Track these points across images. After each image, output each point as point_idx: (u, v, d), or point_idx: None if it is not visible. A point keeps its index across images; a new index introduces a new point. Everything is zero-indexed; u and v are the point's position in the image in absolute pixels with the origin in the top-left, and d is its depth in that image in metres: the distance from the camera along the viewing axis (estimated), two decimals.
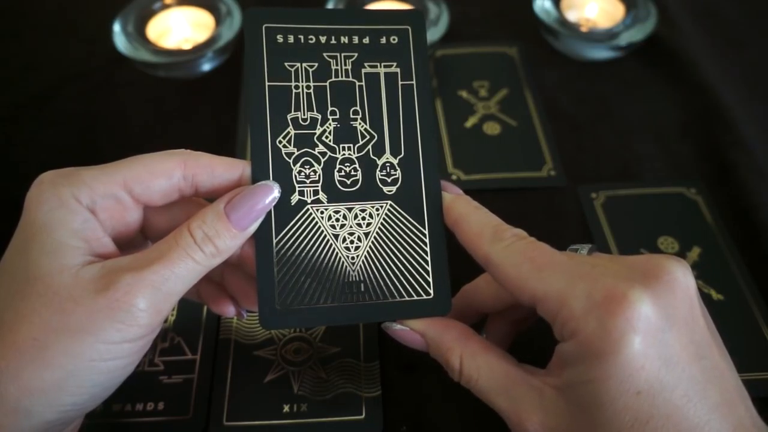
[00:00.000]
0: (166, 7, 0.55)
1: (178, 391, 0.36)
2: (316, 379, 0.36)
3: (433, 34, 0.53)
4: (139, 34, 0.53)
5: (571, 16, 0.57)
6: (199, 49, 0.52)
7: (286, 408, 0.35)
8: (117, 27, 0.52)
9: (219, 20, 0.54)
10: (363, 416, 0.35)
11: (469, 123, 0.51)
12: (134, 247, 0.32)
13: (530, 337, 0.34)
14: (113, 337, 0.26)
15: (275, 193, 0.30)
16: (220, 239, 0.28)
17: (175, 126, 0.51)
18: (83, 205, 0.28)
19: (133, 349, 0.27)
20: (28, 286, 0.26)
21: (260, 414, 0.35)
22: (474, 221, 0.30)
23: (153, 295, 0.26)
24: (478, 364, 0.29)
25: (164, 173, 0.29)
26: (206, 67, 0.54)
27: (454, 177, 0.47)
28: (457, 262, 0.33)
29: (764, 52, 0.57)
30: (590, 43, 0.54)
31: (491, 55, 0.56)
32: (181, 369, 0.37)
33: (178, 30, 0.55)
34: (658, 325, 0.25)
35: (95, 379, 0.26)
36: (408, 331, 0.31)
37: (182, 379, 0.36)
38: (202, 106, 0.52)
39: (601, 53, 0.55)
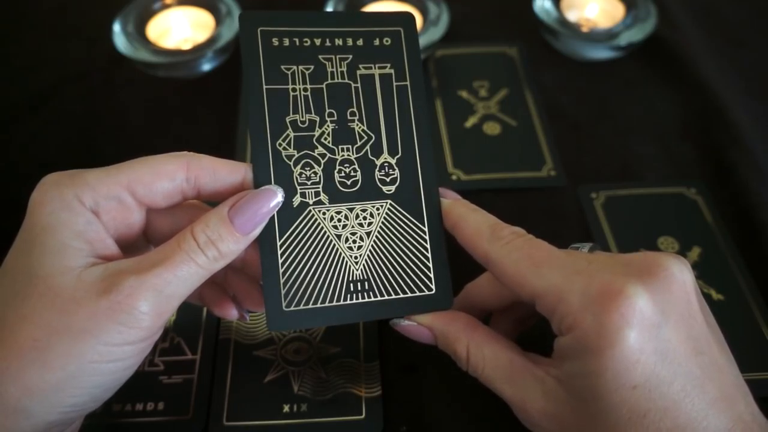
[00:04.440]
0: (166, 7, 0.55)
1: (178, 391, 0.36)
2: (316, 379, 0.36)
3: (433, 34, 0.53)
4: (139, 34, 0.53)
5: (571, 16, 0.57)
6: (199, 49, 0.52)
7: (286, 408, 0.35)
8: (117, 27, 0.52)
9: (219, 20, 0.54)
10: (363, 416, 0.35)
11: (469, 123, 0.51)
12: (137, 251, 0.32)
13: (540, 328, 0.34)
14: (114, 339, 0.26)
15: (279, 197, 0.30)
16: (223, 243, 0.28)
17: (175, 126, 0.51)
18: (86, 206, 0.28)
19: (134, 351, 0.27)
20: (30, 286, 0.26)
21: (260, 414, 0.35)
22: (472, 221, 0.31)
23: (155, 298, 0.26)
24: (483, 353, 0.30)
25: (167, 175, 0.29)
26: (206, 67, 0.54)
27: (454, 177, 0.47)
28: (457, 262, 0.33)
29: (764, 52, 0.57)
30: (590, 43, 0.54)
31: (491, 55, 0.56)
32: (181, 369, 0.37)
33: (178, 30, 0.55)
34: (654, 320, 0.25)
35: (96, 381, 0.26)
36: (416, 326, 0.32)
37: (182, 379, 0.36)
38: (202, 106, 0.52)
39: (601, 53, 0.55)
